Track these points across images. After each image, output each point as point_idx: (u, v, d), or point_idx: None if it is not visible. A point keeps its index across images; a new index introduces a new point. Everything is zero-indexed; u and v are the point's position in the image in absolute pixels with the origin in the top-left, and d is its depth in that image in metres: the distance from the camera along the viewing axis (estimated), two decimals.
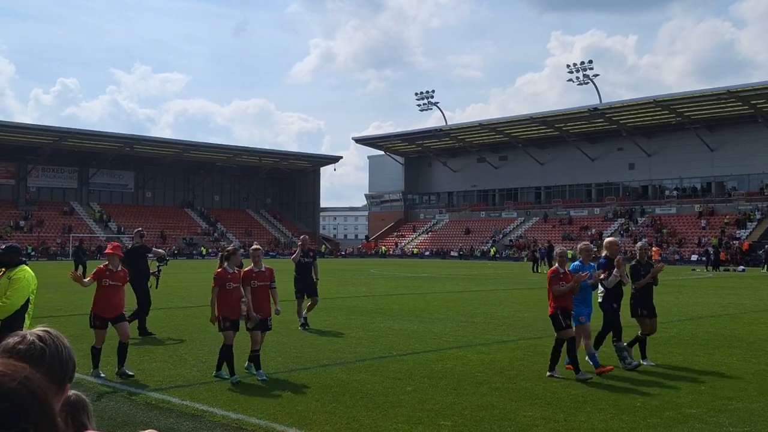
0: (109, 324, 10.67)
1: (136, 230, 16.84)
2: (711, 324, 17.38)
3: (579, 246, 11.72)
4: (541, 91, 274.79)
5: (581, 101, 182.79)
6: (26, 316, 7.77)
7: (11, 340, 1.93)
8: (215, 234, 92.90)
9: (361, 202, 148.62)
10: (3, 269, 7.82)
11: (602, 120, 77.83)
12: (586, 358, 11.07)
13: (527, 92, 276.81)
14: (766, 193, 71.48)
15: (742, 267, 55.27)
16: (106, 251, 10.99)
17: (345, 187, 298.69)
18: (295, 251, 17.58)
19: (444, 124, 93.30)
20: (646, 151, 79.98)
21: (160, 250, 17.24)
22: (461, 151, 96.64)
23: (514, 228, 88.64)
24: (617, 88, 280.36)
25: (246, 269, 10.84)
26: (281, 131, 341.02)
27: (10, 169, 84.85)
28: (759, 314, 20.04)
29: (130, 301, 15.81)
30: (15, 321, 7.51)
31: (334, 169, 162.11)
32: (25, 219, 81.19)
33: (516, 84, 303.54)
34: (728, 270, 53.08)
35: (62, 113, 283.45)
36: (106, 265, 10.81)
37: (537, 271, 46.55)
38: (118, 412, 8.40)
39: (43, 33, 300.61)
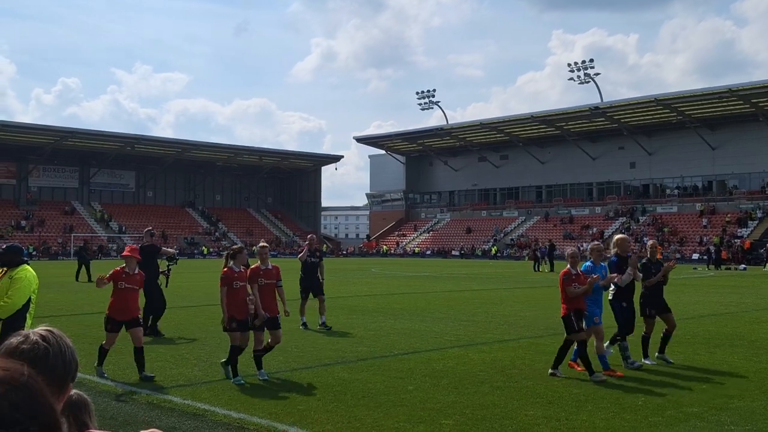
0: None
1: (146, 229, 16.74)
2: (712, 323, 17.38)
3: (590, 246, 11.61)
4: (542, 90, 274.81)
5: (582, 100, 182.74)
6: (28, 315, 7.77)
7: (14, 340, 1.93)
8: (216, 233, 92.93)
9: (362, 201, 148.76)
10: (4, 269, 7.82)
11: (603, 119, 77.79)
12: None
13: (528, 91, 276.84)
14: (767, 192, 71.43)
15: (743, 266, 55.24)
16: (124, 254, 10.84)
17: (346, 186, 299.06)
18: (302, 250, 17.47)
19: (445, 123, 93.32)
20: (647, 149, 79.94)
21: (170, 250, 17.18)
22: (462, 150, 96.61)
23: (515, 227, 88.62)
24: (618, 87, 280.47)
25: (253, 267, 10.77)
26: (282, 131, 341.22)
27: (11, 168, 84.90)
28: (760, 313, 20.03)
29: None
30: (16, 320, 7.51)
31: (336, 169, 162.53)
32: (27, 219, 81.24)
33: (517, 83, 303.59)
34: (729, 269, 53.05)
35: (63, 113, 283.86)
36: (122, 268, 10.60)
37: (538, 270, 46.56)
38: (120, 411, 8.41)
39: (43, 33, 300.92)
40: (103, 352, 10.52)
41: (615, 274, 11.21)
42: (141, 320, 10.77)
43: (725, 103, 69.46)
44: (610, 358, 10.99)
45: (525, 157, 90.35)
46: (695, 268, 52.61)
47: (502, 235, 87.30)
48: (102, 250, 74.37)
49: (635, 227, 76.67)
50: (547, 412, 8.30)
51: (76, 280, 33.32)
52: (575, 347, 10.75)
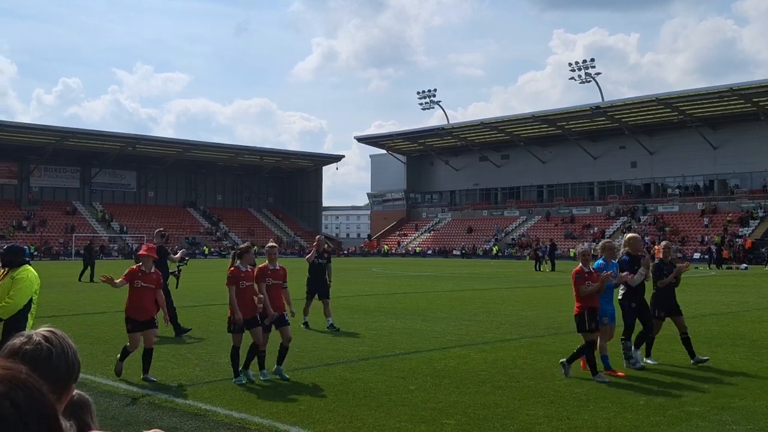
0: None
1: (157, 230, 16.65)
2: (714, 322, 17.36)
3: (601, 243, 11.51)
4: (543, 89, 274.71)
5: (583, 99, 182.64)
6: (29, 316, 7.77)
7: (17, 340, 1.93)
8: (217, 233, 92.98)
9: (364, 201, 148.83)
10: (6, 269, 7.82)
11: (604, 118, 77.78)
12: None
13: (529, 91, 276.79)
14: None
15: (744, 265, 55.23)
16: (140, 252, 10.74)
17: (347, 186, 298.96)
18: (310, 251, 17.34)
19: (446, 122, 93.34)
20: (648, 149, 79.91)
21: (176, 257, 16.98)
22: (463, 149, 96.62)
23: (516, 227, 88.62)
24: (619, 86, 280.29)
25: (261, 266, 10.74)
26: (283, 130, 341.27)
27: (12, 169, 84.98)
28: (762, 312, 20.01)
29: None
30: (18, 321, 7.51)
31: (337, 168, 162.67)
32: (28, 219, 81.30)
33: (518, 82, 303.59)
34: (731, 268, 53.04)
35: (64, 113, 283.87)
36: (139, 266, 10.54)
37: (539, 270, 46.55)
38: (122, 411, 8.41)
39: (43, 33, 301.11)
40: (125, 353, 10.40)
41: (628, 273, 11.09)
42: (156, 321, 10.62)
43: (726, 103, 69.44)
44: (610, 359, 10.96)
45: (526, 157, 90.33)
46: (696, 268, 52.56)
47: (503, 234, 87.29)
48: (103, 250, 74.37)
49: (636, 227, 76.57)
50: (549, 412, 8.30)
51: (79, 280, 33.20)
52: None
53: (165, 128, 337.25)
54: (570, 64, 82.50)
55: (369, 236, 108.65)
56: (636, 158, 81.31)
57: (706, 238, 67.48)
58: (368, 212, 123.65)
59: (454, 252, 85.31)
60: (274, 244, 11.41)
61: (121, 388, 9.64)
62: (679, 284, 11.98)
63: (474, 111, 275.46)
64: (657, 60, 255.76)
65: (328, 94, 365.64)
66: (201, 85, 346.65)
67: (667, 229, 72.87)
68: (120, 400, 9.01)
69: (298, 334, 14.99)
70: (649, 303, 11.64)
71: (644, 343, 11.48)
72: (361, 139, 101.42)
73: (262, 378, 10.16)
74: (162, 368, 11.03)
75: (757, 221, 68.78)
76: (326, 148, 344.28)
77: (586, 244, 74.28)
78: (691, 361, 11.38)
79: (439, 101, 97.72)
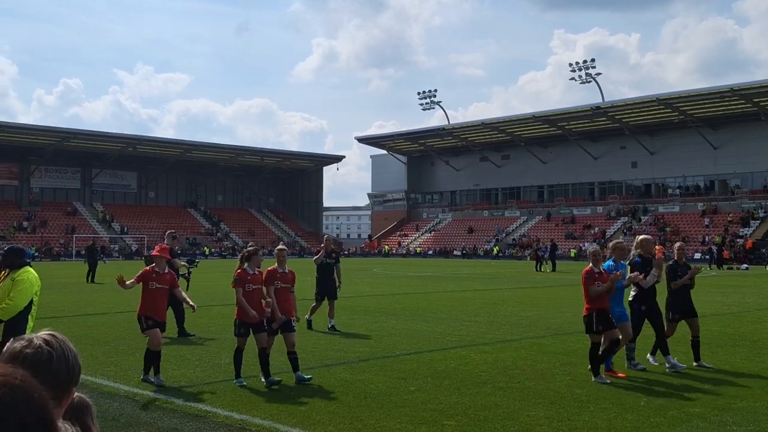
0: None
1: (168, 232, 16.61)
2: (714, 322, 17.34)
3: (612, 243, 11.39)
4: (543, 89, 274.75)
5: (584, 100, 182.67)
6: (29, 317, 7.77)
7: (18, 344, 1.93)
8: (218, 234, 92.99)
9: (364, 201, 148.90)
10: (7, 271, 7.82)
11: (605, 118, 77.76)
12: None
13: (530, 91, 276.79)
14: None
15: (745, 265, 55.20)
16: (153, 253, 10.67)
17: (348, 186, 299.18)
18: (319, 251, 17.14)
19: (446, 123, 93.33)
20: (648, 149, 79.88)
21: (182, 263, 16.87)
22: (464, 150, 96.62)
23: (517, 227, 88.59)
24: (620, 87, 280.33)
25: (270, 268, 10.65)
26: (284, 131, 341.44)
27: (13, 169, 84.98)
28: (763, 312, 20.01)
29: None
30: (18, 322, 7.51)
31: (337, 169, 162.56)
32: (29, 220, 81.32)
33: (518, 82, 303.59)
34: (732, 268, 53.01)
35: (65, 114, 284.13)
36: (152, 267, 10.41)
37: (540, 270, 46.53)
38: (122, 412, 8.41)
39: (43, 33, 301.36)
40: (152, 357, 10.12)
41: (638, 273, 11.00)
42: (165, 324, 10.51)
43: (727, 103, 69.40)
44: (614, 359, 10.96)
45: (526, 157, 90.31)
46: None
47: (504, 235, 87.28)
48: (104, 251, 74.36)
49: (637, 227, 76.58)
50: (550, 413, 8.29)
51: (87, 281, 33.00)
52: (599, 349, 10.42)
53: (166, 129, 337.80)
54: (570, 65, 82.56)
55: (369, 236, 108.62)
56: (637, 158, 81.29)
57: (706, 239, 67.45)
58: (369, 212, 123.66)
59: (455, 252, 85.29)
60: (283, 246, 11.28)
61: (122, 390, 9.64)
62: (694, 286, 11.85)
63: (474, 111, 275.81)
64: (657, 60, 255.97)
65: (328, 95, 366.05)
66: (201, 86, 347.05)
67: (667, 229, 72.86)
68: (120, 401, 9.00)
69: (299, 335, 14.98)
70: (663, 305, 11.51)
71: (658, 347, 11.31)
72: (362, 140, 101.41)
73: (264, 382, 10.00)
74: (163, 369, 11.01)
75: (758, 221, 68.74)
76: (327, 149, 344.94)
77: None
78: (694, 363, 11.36)
79: (440, 101, 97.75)
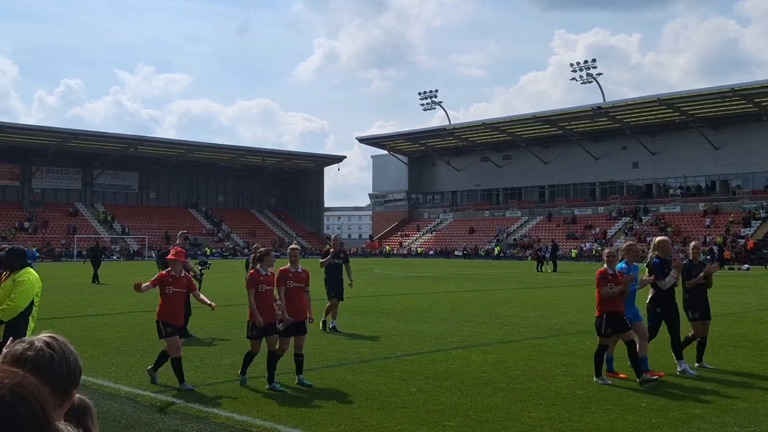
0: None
1: (180, 232, 16.60)
2: (715, 323, 17.27)
3: (625, 245, 11.22)
4: (544, 89, 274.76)
5: (585, 100, 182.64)
6: (30, 318, 7.77)
7: (19, 347, 1.93)
8: (219, 234, 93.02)
9: (365, 201, 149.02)
10: (8, 272, 7.83)
11: (606, 119, 77.76)
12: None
13: (531, 91, 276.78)
14: None
15: (746, 265, 55.16)
16: (169, 257, 10.38)
17: (349, 186, 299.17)
18: (327, 252, 16.94)
19: (447, 123, 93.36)
20: (650, 149, 79.85)
21: (193, 266, 16.80)
22: (465, 150, 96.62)
23: (518, 227, 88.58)
24: (621, 87, 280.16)
25: (282, 268, 10.48)
26: (285, 131, 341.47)
27: (14, 170, 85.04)
28: (764, 313, 19.99)
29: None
30: (19, 323, 7.51)
31: (338, 169, 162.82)
32: (30, 220, 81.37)
33: (519, 83, 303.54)
34: (733, 268, 52.98)
35: (66, 114, 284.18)
36: (168, 271, 10.16)
37: (541, 271, 46.52)
38: (123, 414, 8.40)
39: (43, 33, 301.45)
40: (177, 365, 9.86)
41: (650, 276, 10.86)
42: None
43: (728, 103, 69.37)
44: (616, 360, 10.94)
45: (528, 157, 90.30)
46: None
47: (505, 235, 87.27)
48: (104, 252, 74.43)
49: (638, 227, 76.60)
50: (551, 414, 8.29)
51: (96, 282, 32.94)
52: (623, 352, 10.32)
53: (167, 129, 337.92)
54: (571, 65, 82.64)
55: (371, 237, 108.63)
56: (638, 159, 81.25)
57: (708, 239, 67.39)
58: (370, 213, 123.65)
59: (456, 253, 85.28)
60: (296, 246, 11.14)
61: (123, 390, 9.63)
62: (711, 285, 11.74)
63: (475, 111, 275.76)
64: (659, 60, 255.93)
65: (329, 95, 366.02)
66: (202, 86, 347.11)
67: (669, 229, 72.81)
68: (121, 402, 9.00)
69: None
70: (681, 306, 11.35)
71: (679, 350, 11.13)
72: (363, 140, 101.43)
73: (267, 386, 9.90)
74: (163, 370, 11.00)
75: (759, 222, 68.71)
76: (328, 149, 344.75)
77: (587, 244, 74.37)
78: (696, 364, 11.32)
79: (441, 102, 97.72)
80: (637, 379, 9.94)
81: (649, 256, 11.37)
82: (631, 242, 11.48)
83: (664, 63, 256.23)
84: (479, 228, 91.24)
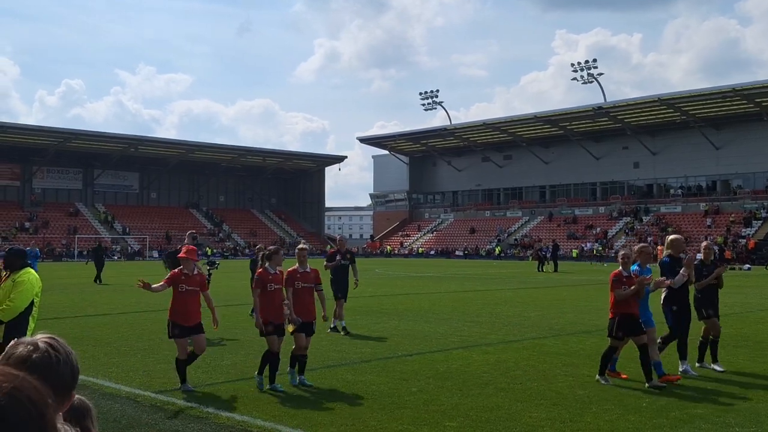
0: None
1: (189, 232, 16.57)
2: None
3: (636, 247, 11.03)
4: (545, 89, 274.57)
5: (586, 100, 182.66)
6: (30, 318, 7.77)
7: (23, 349, 1.91)
8: (220, 234, 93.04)
9: (366, 201, 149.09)
10: (8, 272, 7.83)
11: (607, 119, 77.75)
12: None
13: (531, 91, 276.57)
14: None
15: (747, 265, 55.13)
16: (180, 255, 10.21)
17: (350, 186, 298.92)
18: (333, 253, 16.78)
19: (448, 123, 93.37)
20: (650, 149, 79.84)
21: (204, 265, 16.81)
22: (466, 150, 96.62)
23: (519, 227, 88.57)
24: (622, 87, 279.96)
25: (290, 269, 10.37)
26: (286, 131, 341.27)
27: (15, 170, 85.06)
28: (765, 313, 19.99)
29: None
30: (19, 323, 7.51)
31: (339, 169, 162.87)
32: (31, 220, 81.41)
33: (520, 83, 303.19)
34: (734, 268, 52.94)
35: (67, 114, 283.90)
36: (181, 270, 9.96)
37: (542, 271, 46.51)
38: (123, 414, 8.40)
39: (43, 33, 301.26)
40: (181, 366, 9.76)
41: (664, 278, 10.71)
42: (203, 326, 10.04)
43: (729, 103, 69.35)
44: (621, 361, 10.92)
45: (528, 157, 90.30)
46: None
47: (506, 235, 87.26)
48: (106, 252, 74.45)
49: (639, 227, 76.57)
50: (552, 414, 8.28)
51: (100, 282, 32.90)
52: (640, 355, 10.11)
53: (168, 129, 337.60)
54: (572, 65, 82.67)
55: (371, 237, 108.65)
56: (639, 159, 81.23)
57: (708, 239, 67.27)
58: (371, 213, 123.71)
59: (457, 253, 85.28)
60: (304, 246, 11.01)
61: (123, 391, 9.62)
62: (722, 286, 11.61)
63: (476, 111, 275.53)
64: (660, 60, 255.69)
65: (330, 95, 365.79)
66: (203, 86, 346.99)
67: (669, 229, 72.70)
68: (122, 402, 8.99)
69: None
70: (693, 306, 11.25)
71: (684, 351, 11.02)
72: (364, 140, 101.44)
73: (302, 384, 9.88)
74: (164, 370, 11.02)
75: (760, 222, 68.67)
76: (329, 149, 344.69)
77: (589, 244, 74.32)
78: (697, 364, 11.31)
79: (442, 102, 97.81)
80: (646, 384, 9.87)
81: (662, 255, 11.24)
82: (644, 244, 11.39)
83: (665, 63, 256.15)
84: (480, 228, 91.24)
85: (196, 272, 10.11)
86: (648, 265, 10.80)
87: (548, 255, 49.75)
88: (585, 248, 74.42)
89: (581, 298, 25.26)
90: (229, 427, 7.81)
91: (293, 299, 10.19)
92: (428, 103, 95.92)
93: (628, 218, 79.50)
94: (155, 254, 77.35)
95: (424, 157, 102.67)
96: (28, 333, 7.39)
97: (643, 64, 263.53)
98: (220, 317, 10.52)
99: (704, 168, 76.48)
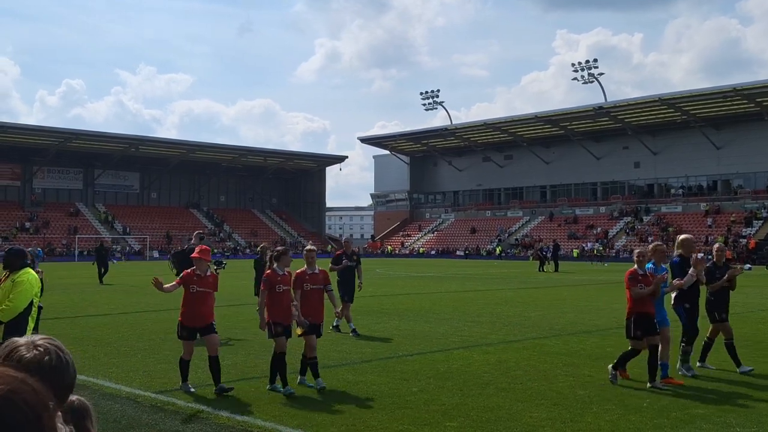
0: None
1: (196, 232, 16.48)
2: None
3: (651, 246, 10.93)
4: (546, 89, 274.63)
5: (586, 100, 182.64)
6: (30, 319, 7.76)
7: (29, 354, 1.87)
8: (221, 234, 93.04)
9: (367, 201, 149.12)
10: (7, 272, 7.82)
11: (607, 118, 77.73)
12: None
13: (532, 91, 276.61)
14: None
15: (748, 265, 55.00)
16: (193, 255, 10.05)
17: (350, 186, 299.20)
18: (339, 255, 16.65)
19: (449, 123, 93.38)
20: (651, 149, 79.81)
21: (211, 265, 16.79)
22: (466, 150, 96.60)
23: (519, 227, 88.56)
24: (623, 86, 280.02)
25: (299, 271, 10.22)
26: (287, 131, 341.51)
27: (16, 170, 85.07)
28: (766, 313, 19.97)
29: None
30: (19, 324, 7.50)
31: (340, 169, 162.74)
32: (31, 220, 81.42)
33: (521, 83, 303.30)
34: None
35: (68, 114, 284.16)
36: (193, 270, 9.81)
37: (543, 271, 46.48)
38: (123, 414, 8.38)
39: (44, 33, 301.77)
40: (184, 366, 9.71)
41: (680, 279, 10.61)
42: (215, 326, 9.93)
43: (730, 103, 69.32)
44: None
45: (529, 157, 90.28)
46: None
47: (507, 235, 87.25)
48: (107, 252, 74.41)
49: (639, 227, 76.54)
50: (552, 414, 8.27)
51: (100, 282, 32.87)
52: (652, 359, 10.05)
53: (168, 129, 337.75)
54: (573, 65, 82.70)
55: (372, 237, 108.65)
56: (639, 158, 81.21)
57: (709, 239, 67.30)
58: (371, 213, 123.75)
59: (458, 253, 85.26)
60: (312, 246, 10.86)
61: (123, 391, 9.61)
62: (735, 288, 11.47)
63: (477, 111, 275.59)
64: (661, 60, 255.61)
65: (331, 95, 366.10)
66: (204, 86, 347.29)
67: (670, 229, 72.74)
68: (122, 402, 8.98)
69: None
70: (704, 308, 11.15)
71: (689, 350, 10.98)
72: (365, 140, 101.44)
73: (317, 388, 9.75)
74: (164, 371, 11.02)
75: (761, 221, 68.64)
76: (329, 149, 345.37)
77: (590, 244, 74.27)
78: (698, 364, 11.28)
79: (443, 102, 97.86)
80: (649, 384, 9.84)
81: (673, 254, 11.17)
82: (658, 243, 11.23)
83: (666, 63, 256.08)
84: (481, 228, 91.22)
85: (209, 273, 9.97)
86: (662, 264, 10.72)
87: (549, 255, 49.71)
88: (586, 248, 74.38)
89: (582, 298, 25.25)
90: (229, 427, 7.80)
91: (302, 301, 10.06)
92: (429, 103, 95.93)
93: (629, 218, 79.47)
94: (155, 254, 77.38)
95: (424, 157, 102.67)
96: (27, 333, 7.38)
97: (644, 64, 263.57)
98: (221, 317, 10.48)
99: (705, 168, 76.45)
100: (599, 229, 79.48)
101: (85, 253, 71.23)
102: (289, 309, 9.81)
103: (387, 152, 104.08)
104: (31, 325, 7.76)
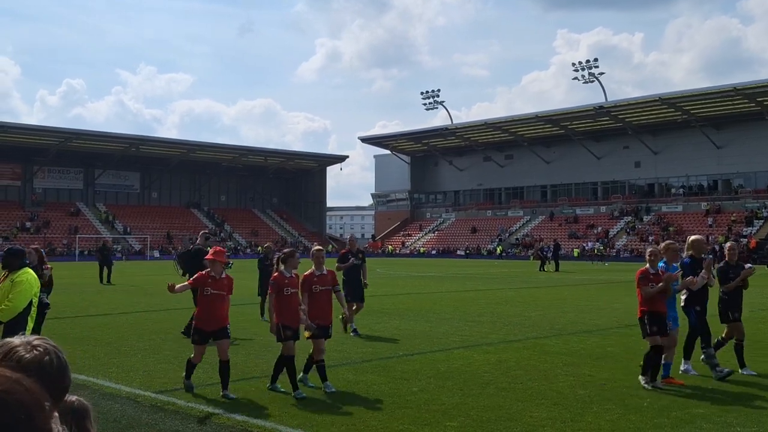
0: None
1: (201, 232, 16.42)
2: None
3: (663, 245, 10.87)
4: (546, 89, 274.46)
5: (587, 99, 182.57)
6: (29, 318, 7.77)
7: (29, 355, 1.87)
8: (222, 234, 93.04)
9: (368, 201, 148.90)
10: (6, 272, 7.82)
11: (608, 118, 77.72)
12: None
13: (533, 91, 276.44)
14: None
15: (749, 265, 54.94)
16: (208, 257, 9.86)
17: (351, 186, 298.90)
18: (344, 254, 16.49)
19: (450, 123, 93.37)
20: (652, 149, 79.80)
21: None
22: (467, 149, 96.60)
23: (520, 226, 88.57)
24: (623, 86, 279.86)
25: (306, 273, 10.02)
26: (287, 131, 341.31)
27: (16, 170, 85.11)
28: (766, 313, 19.95)
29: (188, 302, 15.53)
30: (18, 324, 7.50)
31: (341, 169, 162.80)
32: (32, 220, 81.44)
33: (522, 82, 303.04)
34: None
35: (68, 114, 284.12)
36: (207, 272, 9.62)
37: (543, 270, 46.48)
38: (123, 414, 8.38)
39: (44, 33, 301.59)
40: (190, 367, 9.66)
41: (692, 278, 10.51)
42: (228, 330, 9.74)
43: (731, 102, 69.32)
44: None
45: (530, 157, 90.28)
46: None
47: (507, 234, 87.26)
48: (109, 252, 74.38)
49: (640, 227, 76.54)
50: (552, 414, 8.26)
51: (101, 282, 32.84)
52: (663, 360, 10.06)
53: (169, 129, 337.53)
54: (574, 64, 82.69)
55: (373, 236, 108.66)
56: (640, 158, 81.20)
57: (710, 238, 67.25)
58: (372, 212, 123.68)
59: (458, 252, 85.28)
60: (320, 247, 10.68)
61: (123, 391, 9.61)
62: (747, 287, 11.40)
63: (478, 111, 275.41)
64: (661, 59, 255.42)
65: (332, 95, 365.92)
66: (205, 86, 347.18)
67: (670, 229, 72.77)
68: (122, 402, 8.97)
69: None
70: (717, 309, 11.03)
71: (690, 351, 10.97)
72: (365, 140, 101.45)
73: (327, 390, 9.65)
74: (164, 370, 11.02)
75: (762, 221, 68.66)
76: (330, 149, 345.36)
77: (590, 243, 74.26)
78: (740, 370, 11.11)
79: (443, 101, 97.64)
80: (640, 377, 9.85)
81: (683, 255, 11.07)
82: (670, 241, 11.12)
83: (666, 62, 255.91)
84: (481, 227, 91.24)
85: (224, 275, 9.76)
86: (674, 263, 10.65)
87: (550, 254, 49.72)
88: (586, 248, 74.39)
89: (582, 297, 25.25)
90: (229, 427, 7.80)
91: (310, 303, 9.91)
92: (430, 103, 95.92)
93: (630, 218, 79.47)
94: (156, 254, 77.41)
95: (425, 157, 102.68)
96: (27, 333, 7.38)
97: (645, 64, 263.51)
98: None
99: (705, 167, 76.44)
100: (600, 228, 79.49)
101: (86, 252, 71.24)
102: (297, 312, 9.66)
103: (388, 152, 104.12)
104: (30, 324, 7.76)
